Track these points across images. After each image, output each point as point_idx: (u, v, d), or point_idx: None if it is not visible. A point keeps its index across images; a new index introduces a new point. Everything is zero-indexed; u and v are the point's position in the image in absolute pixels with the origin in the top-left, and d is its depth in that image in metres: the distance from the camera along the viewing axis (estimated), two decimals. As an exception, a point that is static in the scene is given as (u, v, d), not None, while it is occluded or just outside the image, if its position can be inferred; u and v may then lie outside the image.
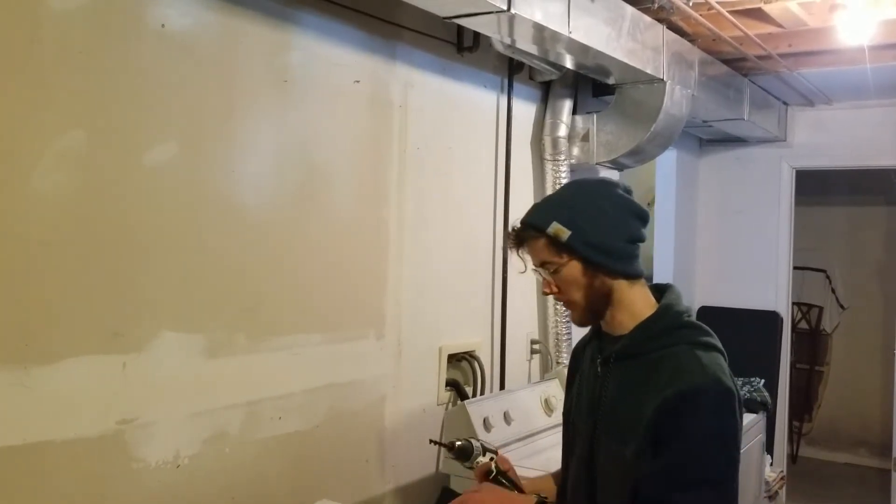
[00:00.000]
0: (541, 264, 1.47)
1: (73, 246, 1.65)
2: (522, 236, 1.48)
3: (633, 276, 1.47)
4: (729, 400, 1.34)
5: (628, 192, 1.51)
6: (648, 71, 2.89)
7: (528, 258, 1.50)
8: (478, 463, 1.58)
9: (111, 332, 1.72)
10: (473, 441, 1.61)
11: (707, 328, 1.45)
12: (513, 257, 1.54)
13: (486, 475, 1.57)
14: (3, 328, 1.54)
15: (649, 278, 1.56)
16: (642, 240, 1.49)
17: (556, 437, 2.60)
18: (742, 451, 3.32)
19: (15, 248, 1.56)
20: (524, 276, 1.60)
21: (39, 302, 1.60)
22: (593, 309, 1.48)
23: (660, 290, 1.51)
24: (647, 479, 1.33)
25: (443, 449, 1.57)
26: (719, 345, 1.43)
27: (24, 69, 1.56)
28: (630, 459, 1.37)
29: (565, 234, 1.41)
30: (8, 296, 1.55)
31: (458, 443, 1.59)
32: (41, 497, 1.61)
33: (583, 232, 1.42)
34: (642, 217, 1.49)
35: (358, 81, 2.36)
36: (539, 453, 2.51)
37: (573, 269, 1.44)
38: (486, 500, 1.45)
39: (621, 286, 1.46)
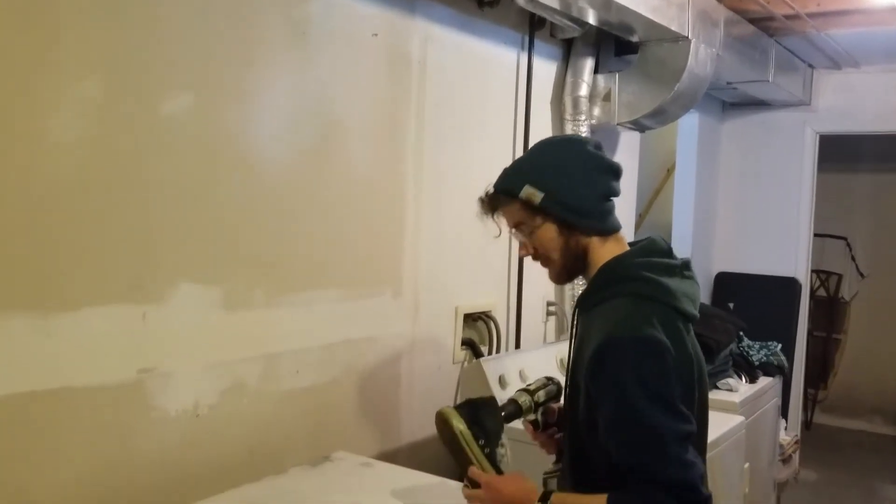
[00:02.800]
0: (515, 226, 1.49)
1: (91, 196, 1.66)
2: (495, 202, 1.50)
3: (607, 232, 1.47)
4: (647, 346, 1.31)
5: (598, 147, 1.50)
6: (673, 28, 2.84)
7: (502, 221, 1.52)
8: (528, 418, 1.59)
9: (131, 282, 1.73)
10: (519, 399, 1.58)
11: (659, 281, 1.39)
12: (488, 222, 1.55)
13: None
14: (24, 276, 1.55)
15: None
16: (616, 194, 1.49)
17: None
18: (758, 413, 3.32)
19: (34, 197, 1.56)
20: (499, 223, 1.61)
21: (59, 251, 1.61)
22: (569, 267, 1.49)
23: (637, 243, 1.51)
24: (593, 428, 1.35)
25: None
26: (673, 300, 1.39)
27: (41, 18, 1.55)
28: (578, 413, 1.40)
29: (538, 196, 1.43)
30: (28, 244, 1.56)
31: (504, 412, 1.55)
32: (61, 443, 1.63)
33: (555, 193, 1.43)
34: (614, 171, 1.49)
35: (376, 35, 2.33)
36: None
37: (548, 230, 1.45)
38: (495, 496, 1.44)
39: (594, 243, 1.46)
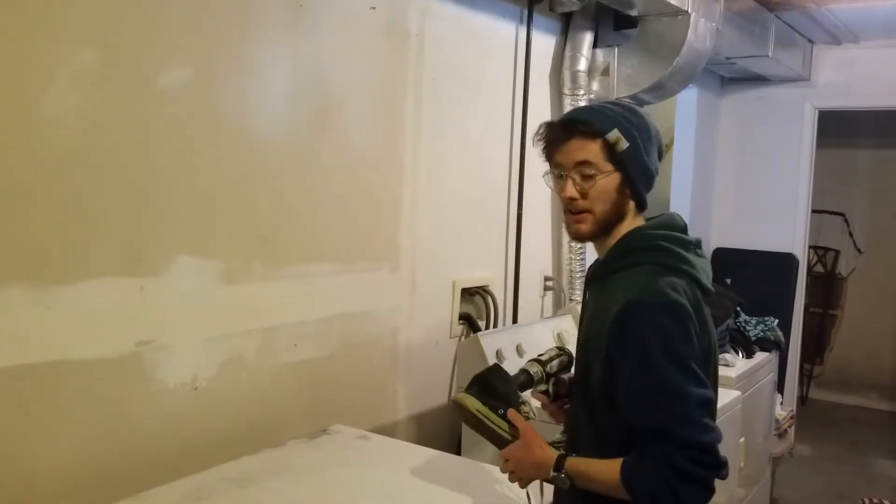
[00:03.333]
0: (580, 165, 1.41)
1: (89, 169, 1.65)
2: (574, 131, 1.42)
3: (643, 207, 1.49)
4: (672, 310, 1.33)
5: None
6: (672, 2, 2.82)
7: (555, 160, 1.45)
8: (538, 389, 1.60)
9: (129, 254, 1.73)
10: (531, 370, 1.58)
11: (679, 252, 1.42)
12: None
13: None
14: (22, 248, 1.55)
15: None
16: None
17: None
18: (754, 388, 3.34)
19: (31, 169, 1.56)
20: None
21: (57, 223, 1.61)
22: (604, 225, 1.46)
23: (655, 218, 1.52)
24: (620, 406, 1.36)
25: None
26: (693, 271, 1.41)
27: (36, -14, 1.54)
28: (593, 379, 1.41)
29: (624, 144, 1.40)
30: (26, 217, 1.56)
31: (516, 381, 1.56)
32: (60, 415, 1.64)
33: (638, 150, 1.42)
34: (661, 152, 1.51)
35: (374, 8, 2.32)
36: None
37: (612, 180, 1.42)
38: (518, 462, 1.47)
39: (630, 213, 1.47)
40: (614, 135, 1.39)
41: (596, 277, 1.51)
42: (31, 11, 1.54)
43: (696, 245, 1.49)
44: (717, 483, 1.33)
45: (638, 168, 1.43)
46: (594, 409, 1.44)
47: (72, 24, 1.60)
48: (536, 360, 1.60)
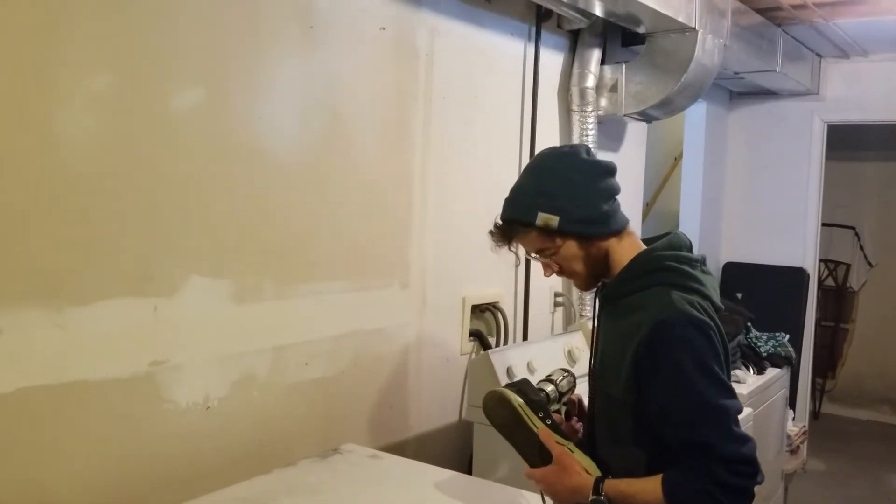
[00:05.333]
0: (537, 252, 1.52)
1: (103, 190, 1.67)
2: (511, 233, 1.52)
3: (620, 230, 1.51)
4: (700, 328, 1.36)
5: (589, 152, 1.53)
6: (680, 19, 2.83)
7: (518, 248, 1.56)
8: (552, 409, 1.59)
9: (142, 275, 1.75)
10: (546, 389, 1.58)
11: (691, 272, 1.45)
12: (502, 251, 1.57)
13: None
14: (39, 270, 1.57)
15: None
16: (618, 192, 1.52)
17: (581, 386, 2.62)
18: (765, 404, 3.32)
19: (47, 191, 1.58)
20: (516, 251, 1.64)
21: (72, 245, 1.62)
22: (595, 273, 1.52)
23: (661, 238, 1.54)
24: (651, 423, 1.38)
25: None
26: (704, 289, 1.44)
27: (52, 11, 1.56)
28: (617, 401, 1.43)
29: (554, 220, 1.45)
30: (42, 238, 1.57)
31: (535, 398, 1.55)
32: (75, 435, 1.65)
33: (569, 213, 1.45)
34: (611, 170, 1.52)
35: (384, 28, 2.34)
36: (562, 403, 2.52)
37: (569, 247, 1.49)
38: (552, 487, 1.47)
39: (613, 244, 1.50)
40: (541, 219, 1.45)
41: (607, 300, 1.52)
42: (47, 34, 1.56)
43: (702, 263, 1.51)
44: None
45: (581, 224, 1.46)
46: (616, 429, 1.46)
47: (86, 47, 1.62)
48: (549, 381, 1.61)
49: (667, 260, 1.46)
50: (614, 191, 1.51)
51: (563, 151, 1.54)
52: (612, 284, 1.51)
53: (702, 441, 1.32)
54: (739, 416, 1.37)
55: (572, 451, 1.47)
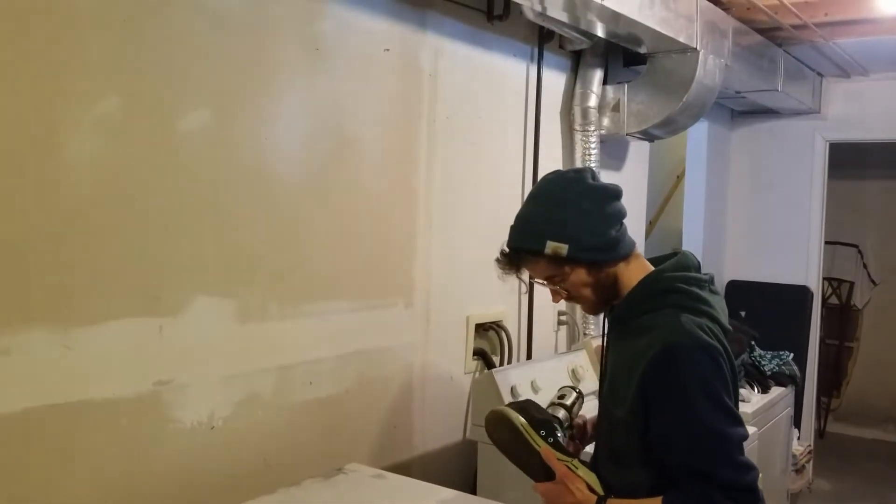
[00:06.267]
0: (546, 279, 1.52)
1: (109, 211, 1.68)
2: (518, 261, 1.51)
3: (628, 254, 1.51)
4: (708, 351, 1.36)
5: (595, 176, 1.52)
6: (681, 40, 2.85)
7: (525, 275, 1.58)
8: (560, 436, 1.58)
9: (148, 295, 1.76)
10: (558, 414, 1.58)
11: (699, 293, 1.44)
12: (509, 279, 1.58)
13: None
14: (46, 291, 1.58)
15: (676, 253, 1.58)
16: (625, 216, 1.52)
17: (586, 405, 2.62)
18: (770, 423, 3.31)
19: (54, 212, 1.59)
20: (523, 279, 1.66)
21: (79, 265, 1.63)
22: (604, 298, 1.52)
23: (669, 258, 1.54)
24: (654, 446, 1.38)
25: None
26: (713, 311, 1.44)
27: (62, 37, 1.58)
28: (621, 422, 1.43)
29: (563, 249, 1.44)
30: (49, 259, 1.58)
31: (538, 416, 1.55)
32: (80, 454, 1.66)
33: (578, 241, 1.45)
34: (618, 195, 1.52)
35: (388, 50, 2.36)
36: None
37: (578, 274, 1.48)
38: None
39: (621, 269, 1.50)
40: (550, 247, 1.44)
41: (616, 321, 1.52)
42: (55, 58, 1.58)
43: (710, 282, 1.51)
44: None
45: (590, 252, 1.46)
46: (620, 449, 1.46)
47: (94, 71, 1.65)
48: (561, 405, 1.60)
49: (676, 281, 1.46)
50: (621, 215, 1.50)
51: (570, 177, 1.52)
52: (622, 307, 1.50)
53: (702, 468, 1.32)
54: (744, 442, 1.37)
55: (576, 468, 1.47)
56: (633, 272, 1.50)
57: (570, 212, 1.46)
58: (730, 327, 1.48)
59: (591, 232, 1.45)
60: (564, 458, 1.48)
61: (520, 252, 1.50)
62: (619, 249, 1.48)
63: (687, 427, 1.33)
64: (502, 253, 1.52)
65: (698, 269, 1.52)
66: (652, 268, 1.52)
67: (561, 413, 1.58)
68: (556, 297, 1.53)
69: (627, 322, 1.48)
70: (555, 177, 1.55)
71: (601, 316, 1.61)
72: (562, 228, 1.44)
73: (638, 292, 1.48)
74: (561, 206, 1.47)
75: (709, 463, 1.32)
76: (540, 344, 3.10)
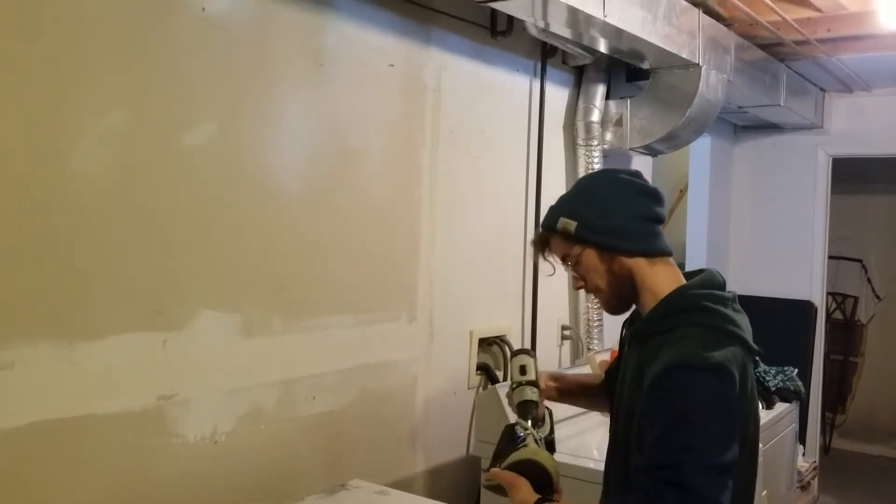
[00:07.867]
0: (562, 259, 1.54)
1: (114, 225, 1.69)
2: (542, 239, 1.56)
3: (652, 254, 1.47)
4: (715, 371, 1.30)
5: (634, 175, 1.53)
6: (684, 55, 2.86)
7: (555, 260, 1.57)
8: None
9: (152, 310, 1.76)
10: (532, 396, 1.61)
11: (724, 312, 1.40)
12: (544, 264, 1.63)
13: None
14: (50, 305, 1.58)
15: (680, 266, 1.55)
16: (657, 217, 1.49)
17: (590, 420, 2.60)
18: (775, 440, 3.29)
19: (59, 226, 1.60)
20: (555, 262, 1.66)
21: (83, 279, 1.64)
22: (619, 294, 1.49)
23: (699, 273, 1.51)
24: (641, 453, 1.34)
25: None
26: (739, 331, 1.39)
27: (67, 50, 1.60)
28: (623, 427, 1.42)
29: (572, 225, 1.47)
30: (53, 273, 1.59)
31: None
32: (83, 469, 1.65)
33: (587, 219, 1.46)
34: (651, 195, 1.50)
35: (392, 65, 2.37)
36: (571, 438, 2.51)
37: (589, 256, 1.48)
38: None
39: (640, 266, 1.46)
40: (561, 224, 1.49)
41: (636, 338, 1.48)
42: (63, 72, 1.59)
43: (734, 300, 1.47)
44: None
45: (599, 233, 1.46)
46: (620, 455, 1.44)
47: (101, 83, 1.66)
48: (529, 384, 1.63)
49: (701, 300, 1.42)
50: (650, 213, 1.48)
51: (607, 168, 1.63)
52: (645, 322, 1.46)
53: (676, 479, 1.25)
54: (733, 468, 1.29)
55: (538, 447, 1.48)
56: (658, 277, 1.46)
57: (589, 194, 1.52)
58: (756, 347, 1.43)
59: (602, 215, 1.46)
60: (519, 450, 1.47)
61: (543, 230, 1.56)
62: (635, 242, 1.46)
63: (670, 431, 1.28)
64: (535, 233, 1.59)
65: (723, 287, 1.48)
66: (681, 279, 1.48)
67: (535, 394, 1.61)
68: (575, 282, 1.55)
69: (646, 339, 1.43)
70: (598, 171, 1.62)
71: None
72: (574, 207, 1.50)
73: (661, 307, 1.44)
74: (585, 189, 1.55)
75: (678, 464, 1.25)
76: (543, 359, 3.08)
